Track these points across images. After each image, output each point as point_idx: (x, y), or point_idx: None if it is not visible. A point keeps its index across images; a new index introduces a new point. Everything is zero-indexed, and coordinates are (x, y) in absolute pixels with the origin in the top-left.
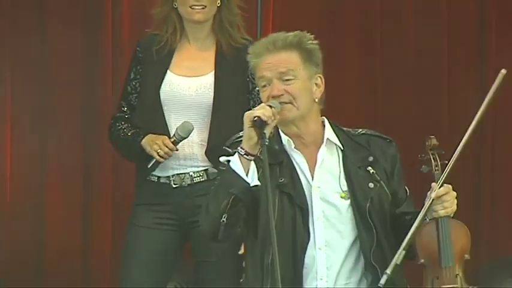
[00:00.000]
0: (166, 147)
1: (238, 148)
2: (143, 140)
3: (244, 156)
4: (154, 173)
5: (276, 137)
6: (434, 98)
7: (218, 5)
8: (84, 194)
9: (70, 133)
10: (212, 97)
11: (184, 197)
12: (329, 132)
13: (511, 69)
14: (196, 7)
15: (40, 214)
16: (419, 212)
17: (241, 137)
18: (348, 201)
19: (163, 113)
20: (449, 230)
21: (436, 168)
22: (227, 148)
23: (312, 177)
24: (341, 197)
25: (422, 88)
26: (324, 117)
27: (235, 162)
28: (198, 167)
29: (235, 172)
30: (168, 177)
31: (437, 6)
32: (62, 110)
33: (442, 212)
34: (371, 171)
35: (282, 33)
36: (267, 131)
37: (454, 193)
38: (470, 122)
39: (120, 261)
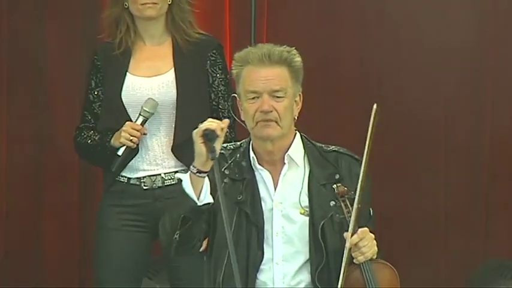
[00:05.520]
0: (134, 129)
1: (191, 166)
2: (112, 140)
3: (197, 174)
4: (123, 174)
5: (245, 153)
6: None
7: (169, 3)
8: (81, 192)
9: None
10: (175, 94)
11: (155, 199)
12: (293, 149)
13: None
14: (148, 4)
15: (36, 215)
16: None
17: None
18: (308, 218)
19: (128, 116)
20: (374, 273)
21: (349, 215)
22: None
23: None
24: (300, 213)
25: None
26: (297, 132)
27: (186, 181)
28: (169, 167)
29: (185, 191)
30: (139, 178)
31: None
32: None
33: (361, 259)
34: (335, 190)
35: (273, 46)
36: (217, 145)
37: (371, 235)
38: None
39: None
